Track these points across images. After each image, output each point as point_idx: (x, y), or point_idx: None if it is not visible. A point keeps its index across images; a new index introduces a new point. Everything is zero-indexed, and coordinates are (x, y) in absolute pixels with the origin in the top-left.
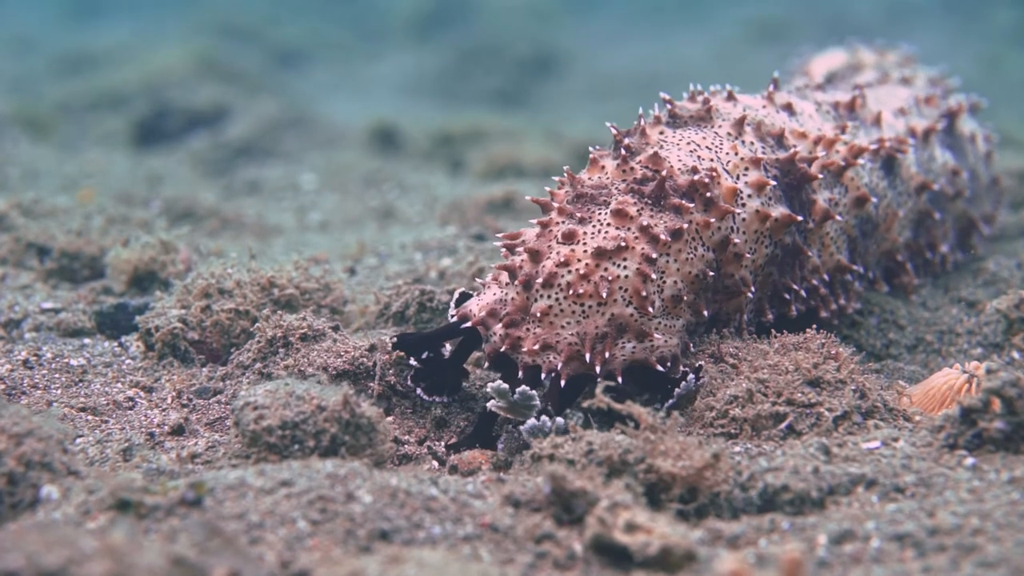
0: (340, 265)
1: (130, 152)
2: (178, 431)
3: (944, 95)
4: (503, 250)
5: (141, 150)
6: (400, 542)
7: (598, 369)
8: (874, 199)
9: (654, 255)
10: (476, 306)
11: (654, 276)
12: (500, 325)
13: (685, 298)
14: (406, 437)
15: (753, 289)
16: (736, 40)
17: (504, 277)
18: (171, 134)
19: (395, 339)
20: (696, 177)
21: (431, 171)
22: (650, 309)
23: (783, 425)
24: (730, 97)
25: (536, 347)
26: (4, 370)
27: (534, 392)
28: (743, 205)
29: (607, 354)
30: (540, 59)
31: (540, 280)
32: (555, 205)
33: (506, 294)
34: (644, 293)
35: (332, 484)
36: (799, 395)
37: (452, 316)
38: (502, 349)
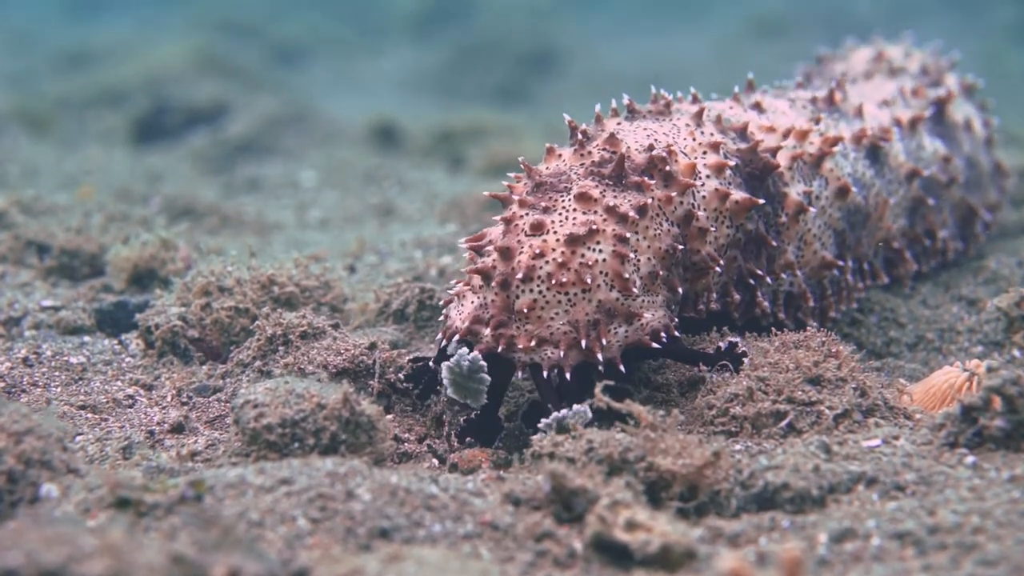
0: (340, 263)
1: (130, 149)
2: (178, 429)
3: (936, 80)
4: (468, 254)
5: (141, 147)
6: (400, 540)
7: (599, 356)
8: (856, 189)
9: (626, 234)
10: (459, 318)
11: (631, 255)
12: (488, 328)
13: (661, 273)
14: (406, 435)
15: (721, 263)
16: (737, 37)
17: (477, 281)
18: (171, 131)
19: (411, 366)
20: (653, 153)
21: (431, 168)
22: (633, 290)
23: (783, 423)
24: (695, 100)
25: (532, 343)
26: (4, 368)
27: (483, 363)
28: (702, 184)
29: (604, 340)
30: (540, 55)
31: (519, 275)
32: (515, 198)
33: (485, 298)
34: (625, 275)
35: (332, 482)
36: (799, 393)
37: (439, 339)
38: (498, 350)
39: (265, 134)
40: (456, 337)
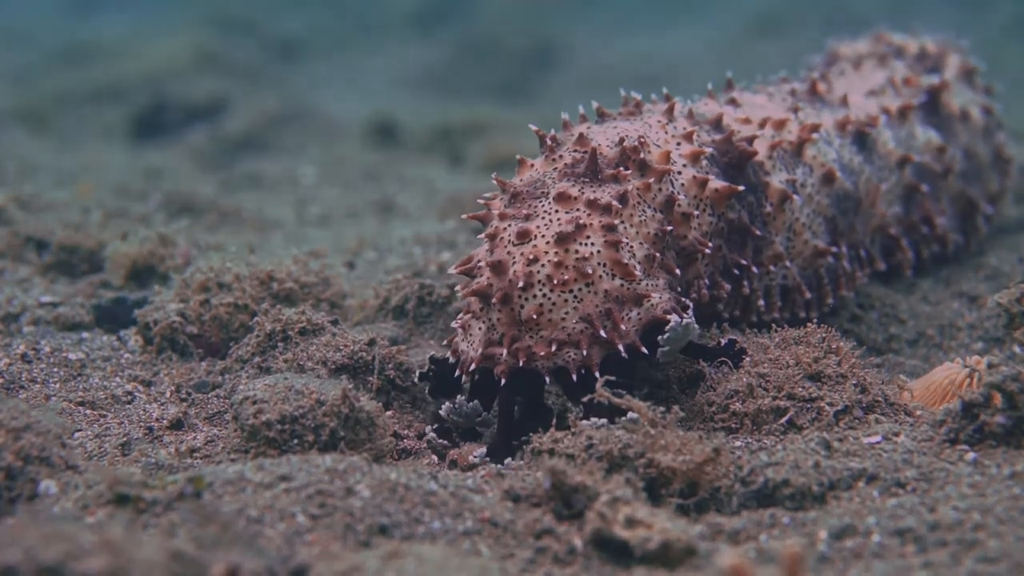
0: (339, 259)
1: (128, 146)
2: (177, 425)
3: (936, 64)
4: (460, 283)
5: (140, 144)
6: (399, 537)
7: (620, 346)
8: (843, 175)
9: (614, 222)
10: (471, 348)
11: (624, 241)
12: (504, 348)
13: (656, 256)
14: (405, 432)
15: (710, 244)
16: (736, 33)
17: (476, 305)
18: (170, 127)
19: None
20: (625, 144)
21: (431, 164)
22: (636, 273)
23: (784, 420)
24: (667, 99)
25: (552, 348)
26: (2, 364)
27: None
28: (679, 172)
29: (621, 327)
30: (540, 52)
31: (519, 285)
32: (494, 213)
33: (490, 319)
34: (624, 260)
35: (331, 479)
36: (800, 389)
37: (457, 375)
38: (520, 364)
39: (264, 130)
40: (472, 367)
